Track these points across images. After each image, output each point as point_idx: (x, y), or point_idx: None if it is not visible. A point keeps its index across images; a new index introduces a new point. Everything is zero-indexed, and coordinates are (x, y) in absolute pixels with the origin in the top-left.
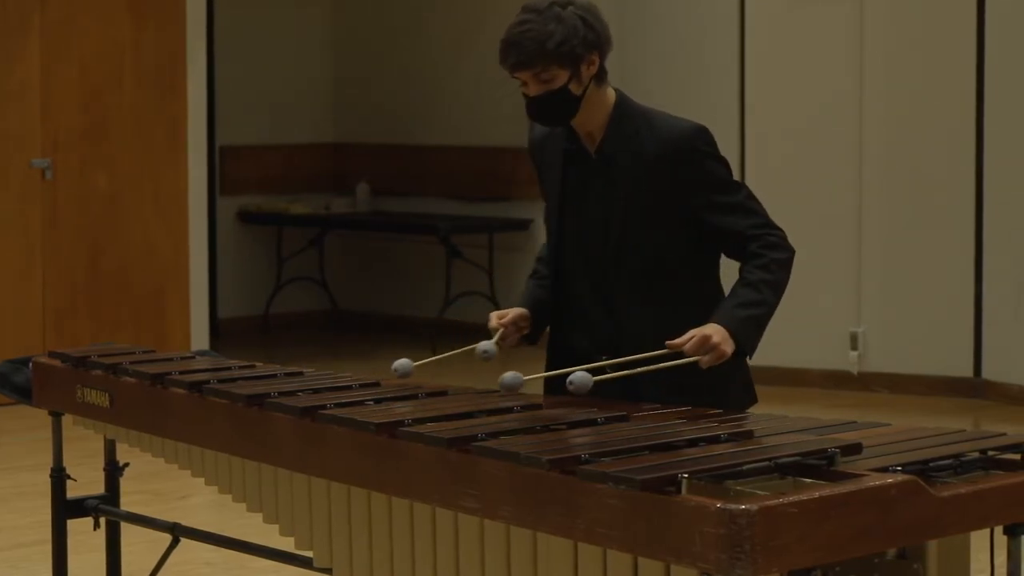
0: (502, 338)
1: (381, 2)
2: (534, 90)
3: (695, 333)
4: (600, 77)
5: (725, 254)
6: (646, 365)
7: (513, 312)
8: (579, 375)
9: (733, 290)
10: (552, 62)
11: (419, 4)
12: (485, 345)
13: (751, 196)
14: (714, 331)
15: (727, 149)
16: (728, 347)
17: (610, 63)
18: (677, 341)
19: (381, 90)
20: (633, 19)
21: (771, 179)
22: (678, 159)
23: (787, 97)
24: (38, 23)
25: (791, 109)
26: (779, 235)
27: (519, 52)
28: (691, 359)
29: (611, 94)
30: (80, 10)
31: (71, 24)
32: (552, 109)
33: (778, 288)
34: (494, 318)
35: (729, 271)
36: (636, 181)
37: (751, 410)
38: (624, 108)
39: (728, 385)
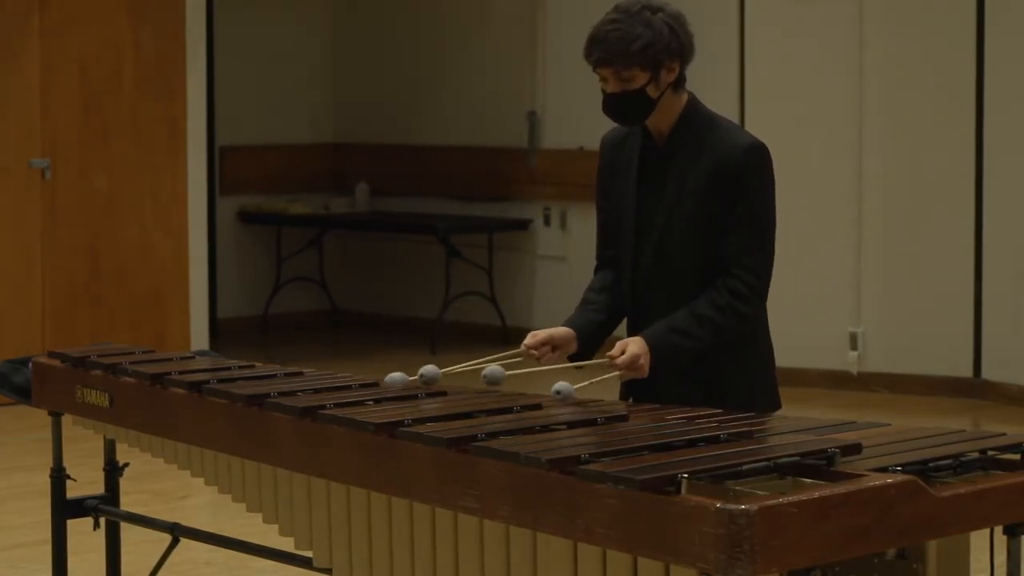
0: (537, 358)
1: (381, 2)
2: (612, 87)
3: (624, 347)
4: (678, 84)
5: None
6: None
7: (545, 333)
8: (491, 369)
9: (679, 313)
10: (634, 63)
11: (419, 5)
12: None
13: (769, 237)
14: (643, 351)
15: None
16: (648, 368)
17: None
18: (612, 353)
19: (381, 90)
20: None
21: None
22: (728, 173)
23: (787, 96)
24: (38, 23)
25: (791, 108)
26: (752, 286)
27: (604, 49)
28: (615, 373)
29: (683, 97)
30: (80, 10)
31: (71, 24)
32: (627, 108)
33: (720, 333)
34: (528, 338)
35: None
36: (688, 186)
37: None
38: (692, 113)
39: (753, 390)
